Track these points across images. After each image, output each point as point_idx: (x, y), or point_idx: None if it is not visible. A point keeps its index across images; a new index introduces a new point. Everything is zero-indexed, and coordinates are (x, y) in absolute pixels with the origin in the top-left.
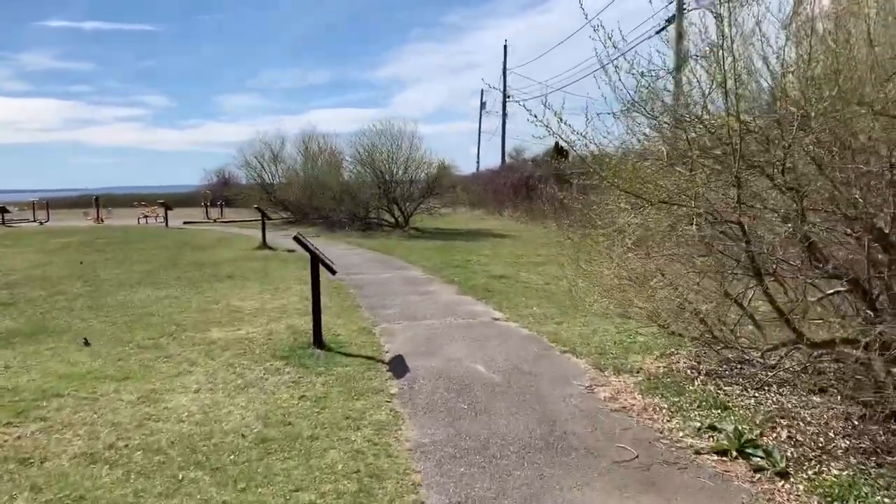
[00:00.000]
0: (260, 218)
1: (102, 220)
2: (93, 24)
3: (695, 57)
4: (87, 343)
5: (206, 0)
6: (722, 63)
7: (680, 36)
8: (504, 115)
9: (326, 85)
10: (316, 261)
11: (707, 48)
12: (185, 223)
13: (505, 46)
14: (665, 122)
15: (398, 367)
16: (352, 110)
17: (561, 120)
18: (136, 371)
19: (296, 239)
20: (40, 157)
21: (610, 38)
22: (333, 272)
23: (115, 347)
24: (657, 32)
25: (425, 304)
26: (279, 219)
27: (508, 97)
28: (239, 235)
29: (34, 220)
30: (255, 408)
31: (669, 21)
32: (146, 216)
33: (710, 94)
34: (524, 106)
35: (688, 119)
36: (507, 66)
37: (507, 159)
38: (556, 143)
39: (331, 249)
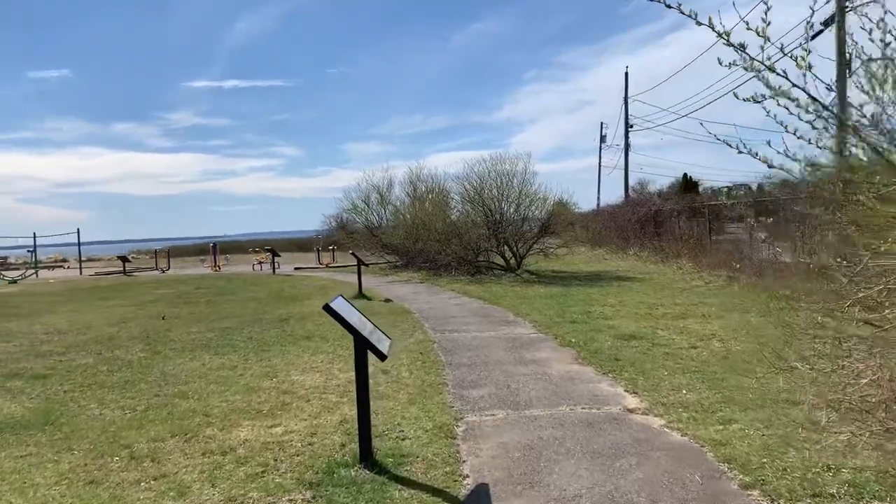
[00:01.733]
0: (364, 263)
1: (219, 268)
2: (231, 82)
3: None
4: None
5: (333, 56)
6: None
7: (842, 41)
8: (626, 145)
9: (445, 129)
10: (362, 345)
11: None
12: (295, 269)
13: (626, 73)
14: None
15: None
16: (470, 153)
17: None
18: None
19: (327, 309)
20: (182, 207)
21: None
22: (382, 357)
23: (101, 456)
24: (812, 38)
25: (531, 380)
26: (385, 263)
27: (630, 126)
28: (342, 283)
29: (157, 269)
30: None
31: (827, 24)
32: (260, 262)
33: None
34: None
35: None
36: (629, 95)
37: (631, 193)
38: (685, 175)
39: (431, 299)
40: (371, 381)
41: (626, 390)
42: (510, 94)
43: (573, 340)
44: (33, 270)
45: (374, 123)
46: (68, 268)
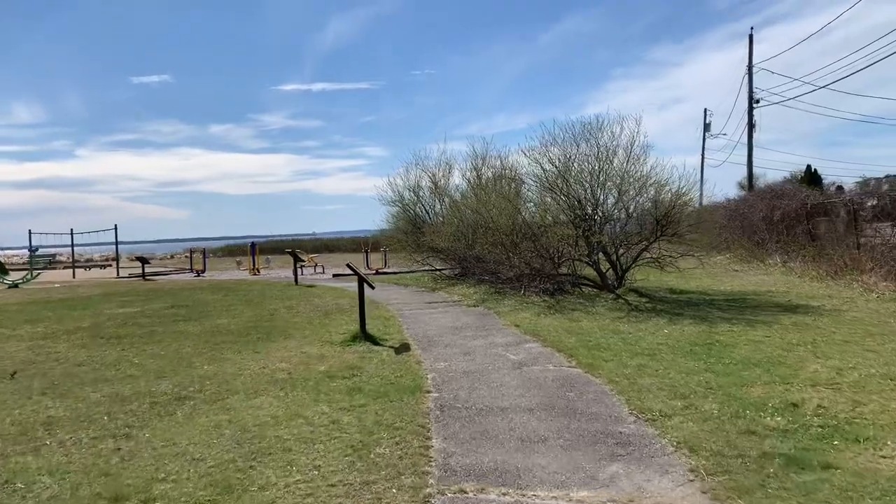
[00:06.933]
0: (364, 278)
1: (258, 272)
2: (320, 85)
3: None
4: None
5: (418, 57)
6: None
7: None
8: (750, 125)
9: (528, 129)
10: None
11: None
12: (334, 275)
13: (751, 36)
14: None
15: None
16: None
17: None
18: None
19: None
20: (274, 205)
21: None
22: None
23: None
24: None
25: None
26: (436, 272)
27: (756, 102)
28: (372, 303)
29: (192, 271)
30: None
31: None
32: (301, 267)
33: None
34: None
35: None
36: (753, 63)
37: (742, 190)
38: (809, 168)
39: (476, 345)
40: None
41: None
42: (595, 93)
43: None
44: (39, 271)
45: (457, 125)
46: (105, 267)
